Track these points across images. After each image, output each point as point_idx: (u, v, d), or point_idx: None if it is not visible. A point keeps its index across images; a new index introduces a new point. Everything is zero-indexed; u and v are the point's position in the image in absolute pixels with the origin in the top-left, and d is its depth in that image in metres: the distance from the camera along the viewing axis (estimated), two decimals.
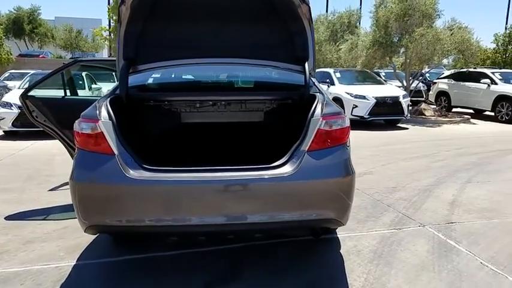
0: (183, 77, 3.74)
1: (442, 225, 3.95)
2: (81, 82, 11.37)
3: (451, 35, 13.06)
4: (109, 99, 2.94)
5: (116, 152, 2.63)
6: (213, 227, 2.69)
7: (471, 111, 14.60)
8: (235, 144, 3.89)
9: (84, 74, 11.47)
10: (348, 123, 2.80)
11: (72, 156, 4.56)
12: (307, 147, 2.66)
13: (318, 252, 3.38)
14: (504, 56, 25.54)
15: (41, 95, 4.41)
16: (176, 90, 3.53)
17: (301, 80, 3.29)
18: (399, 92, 11.96)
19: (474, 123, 12.80)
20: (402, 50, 14.14)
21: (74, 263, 3.15)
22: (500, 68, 17.77)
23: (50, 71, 4.92)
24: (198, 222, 2.63)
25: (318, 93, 3.10)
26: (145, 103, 3.51)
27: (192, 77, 3.89)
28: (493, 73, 13.94)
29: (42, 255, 3.28)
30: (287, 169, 2.62)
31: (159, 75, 3.62)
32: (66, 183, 5.38)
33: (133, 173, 2.57)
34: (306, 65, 3.27)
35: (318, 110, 2.78)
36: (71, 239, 3.57)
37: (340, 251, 3.38)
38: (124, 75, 3.11)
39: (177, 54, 3.32)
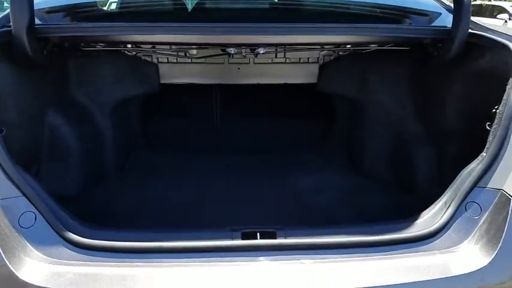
0: None
1: None
2: None
3: None
4: None
5: None
6: None
7: None
8: (258, 131, 2.21)
9: None
10: None
11: None
12: None
13: None
14: None
15: None
16: (149, 17, 1.64)
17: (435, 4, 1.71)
18: None
19: None
20: None
21: None
22: None
23: None
24: None
25: (494, 35, 1.41)
26: (80, 48, 1.64)
27: None
28: None
29: None
30: (459, 248, 1.05)
31: None
32: None
33: (43, 259, 0.97)
34: None
35: None
36: None
37: None
38: None
39: None
